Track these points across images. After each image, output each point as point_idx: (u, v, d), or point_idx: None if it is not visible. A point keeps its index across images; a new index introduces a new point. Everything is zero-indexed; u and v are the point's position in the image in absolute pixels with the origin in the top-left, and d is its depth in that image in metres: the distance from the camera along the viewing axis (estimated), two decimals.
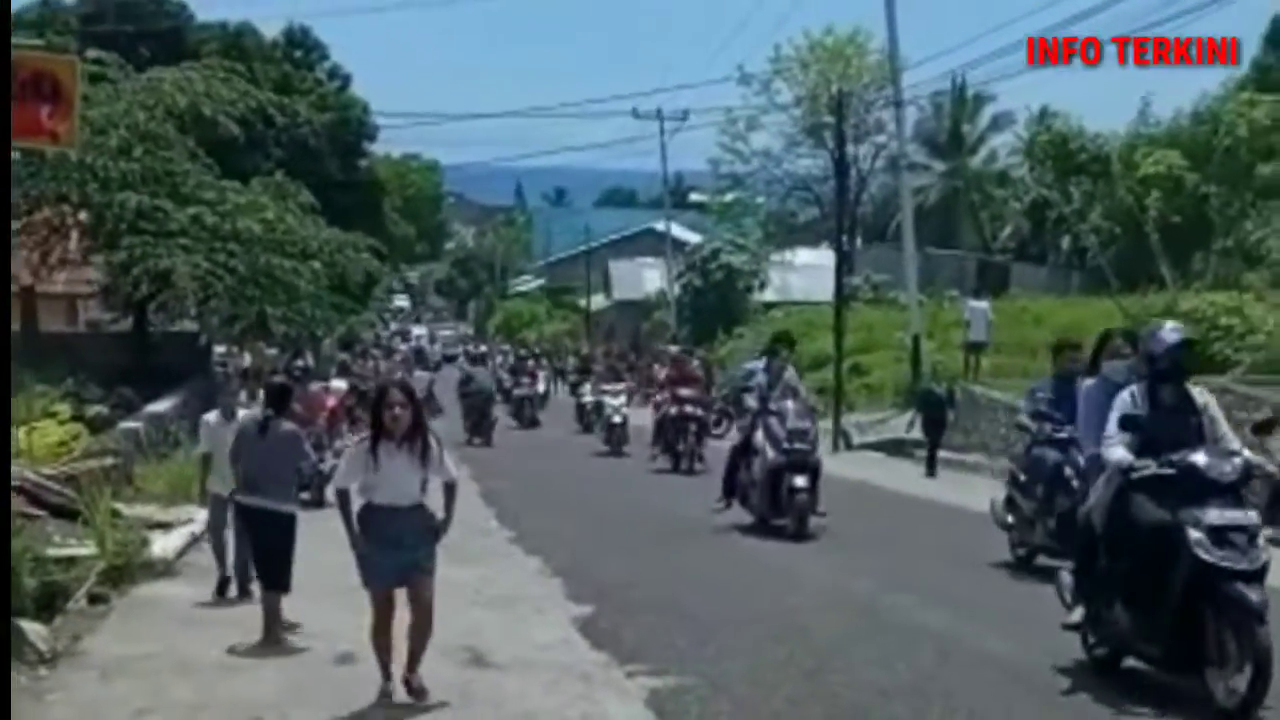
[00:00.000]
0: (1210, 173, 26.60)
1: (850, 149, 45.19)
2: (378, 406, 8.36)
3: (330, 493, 14.55)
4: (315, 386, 22.26)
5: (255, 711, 8.35)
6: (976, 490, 19.96)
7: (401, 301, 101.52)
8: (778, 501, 15.72)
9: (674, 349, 32.74)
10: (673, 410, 24.09)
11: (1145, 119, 41.54)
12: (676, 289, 54.48)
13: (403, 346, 64.63)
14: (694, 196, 62.84)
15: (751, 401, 16.42)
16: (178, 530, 14.03)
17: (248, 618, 10.68)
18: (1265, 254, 23.98)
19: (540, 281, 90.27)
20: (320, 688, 9.01)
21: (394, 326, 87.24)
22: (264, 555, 10.62)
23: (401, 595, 8.48)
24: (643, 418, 28.81)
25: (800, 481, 15.48)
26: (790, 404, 16.06)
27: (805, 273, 50.70)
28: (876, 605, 11.69)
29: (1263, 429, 17.22)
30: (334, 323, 33.85)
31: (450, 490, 8.57)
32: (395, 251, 56.31)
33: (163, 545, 13.25)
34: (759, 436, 16.01)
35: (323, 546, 10.82)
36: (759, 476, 15.91)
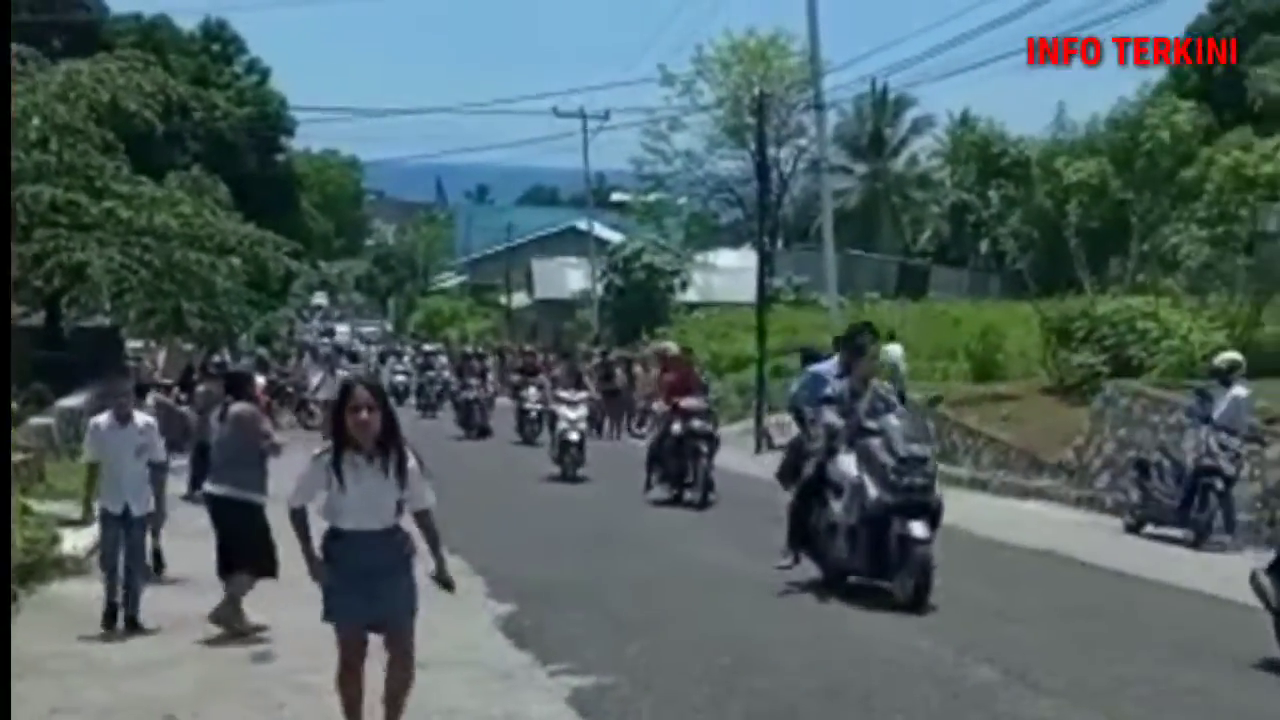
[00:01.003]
0: (1130, 179, 26.93)
1: (772, 151, 45.55)
2: (340, 410, 6.84)
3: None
4: None
5: (168, 709, 8.19)
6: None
7: (320, 299, 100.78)
8: (882, 557, 11.54)
9: (668, 348, 26.12)
10: (675, 426, 18.99)
11: (1061, 125, 42.13)
12: (599, 289, 54.45)
13: (326, 341, 64.02)
14: (616, 196, 62.84)
15: (833, 417, 12.10)
16: (89, 528, 13.75)
17: (159, 616, 10.53)
18: (1182, 259, 24.35)
19: (462, 279, 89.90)
20: (236, 685, 8.88)
21: (317, 324, 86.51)
22: (239, 545, 10.37)
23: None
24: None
25: (919, 530, 11.30)
26: (894, 420, 11.87)
27: (727, 274, 50.88)
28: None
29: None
30: (251, 319, 33.48)
31: (426, 521, 7.05)
32: (313, 248, 55.98)
33: (73, 543, 12.99)
34: (846, 466, 11.86)
35: None
36: (846, 520, 11.77)
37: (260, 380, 25.73)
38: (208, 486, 10.82)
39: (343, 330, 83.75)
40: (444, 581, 7.13)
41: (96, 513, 10.64)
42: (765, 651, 9.72)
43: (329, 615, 6.93)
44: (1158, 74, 42.67)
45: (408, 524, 7.06)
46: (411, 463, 6.89)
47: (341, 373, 26.80)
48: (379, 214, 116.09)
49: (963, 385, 27.01)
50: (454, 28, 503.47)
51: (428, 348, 49.70)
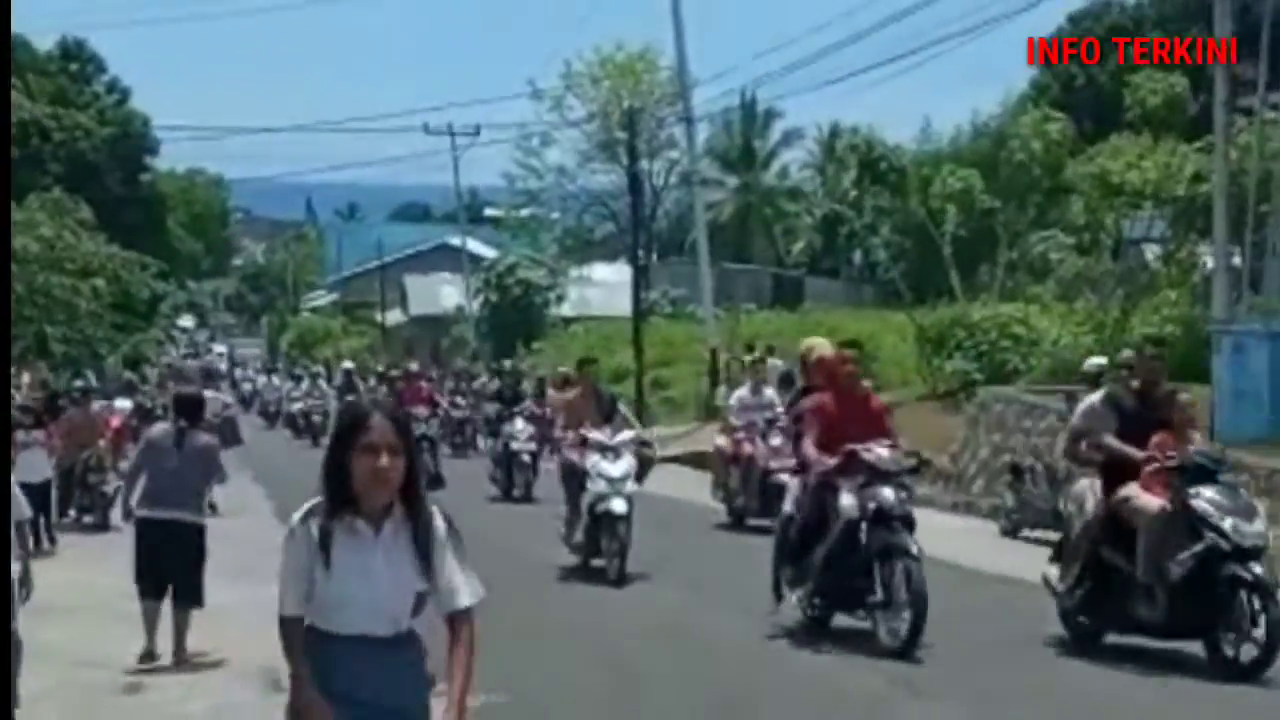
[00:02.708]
0: (997, 188, 27.39)
1: (644, 165, 45.54)
2: (342, 449, 4.42)
3: (116, 516, 13.97)
4: (97, 406, 21.54)
5: None
6: None
7: (186, 322, 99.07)
8: None
9: (814, 346, 15.84)
10: (846, 501, 10.38)
11: (927, 136, 42.87)
12: (474, 304, 54.17)
13: (192, 363, 62.68)
14: (489, 211, 62.52)
15: None
16: None
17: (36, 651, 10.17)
18: (1053, 267, 24.80)
19: (334, 297, 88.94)
20: (104, 718, 8.60)
21: (184, 346, 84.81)
22: (174, 570, 10.16)
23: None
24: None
25: None
26: None
27: (603, 288, 50.88)
28: None
29: None
30: (118, 342, 32.78)
31: (462, 633, 4.61)
32: (180, 268, 55.11)
33: None
34: None
35: (105, 570, 10.38)
36: None
37: (127, 404, 25.22)
38: (152, 512, 10.36)
39: (220, 350, 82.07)
40: None
41: None
42: (656, 670, 9.63)
43: None
44: (1019, 85, 43.65)
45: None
46: (441, 533, 4.50)
47: (211, 394, 24.79)
48: (247, 233, 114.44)
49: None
50: (320, 45, 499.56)
51: (347, 365, 40.98)
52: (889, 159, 27.70)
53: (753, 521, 16.76)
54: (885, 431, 10.69)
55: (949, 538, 16.68)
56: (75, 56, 54.33)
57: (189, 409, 11.00)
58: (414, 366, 31.39)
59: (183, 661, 9.95)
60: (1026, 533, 16.84)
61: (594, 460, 13.68)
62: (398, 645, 4.54)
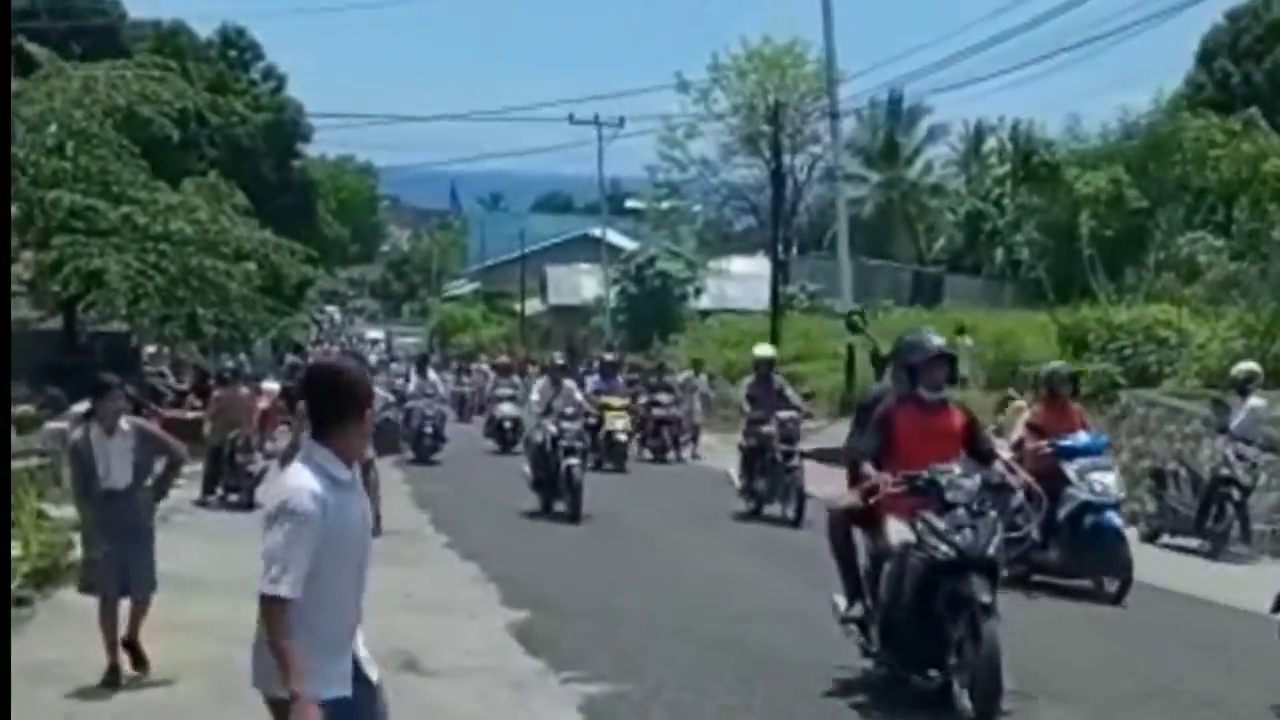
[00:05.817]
0: (1149, 188, 26.75)
1: (787, 159, 45.41)
2: None
3: (260, 494, 14.29)
4: (244, 389, 22.07)
5: (179, 718, 8.19)
6: None
7: (331, 309, 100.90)
8: None
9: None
10: None
11: (1075, 134, 42.06)
12: (613, 296, 54.48)
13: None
14: (631, 203, 62.83)
15: None
16: None
17: (170, 620, 10.50)
18: (1201, 269, 24.20)
19: (475, 285, 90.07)
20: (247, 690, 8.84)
21: (324, 331, 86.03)
22: None
23: None
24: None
25: None
26: None
27: (741, 281, 50.90)
28: None
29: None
30: (266, 325, 33.48)
31: None
32: (329, 254, 56.14)
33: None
34: None
35: (248, 548, 10.66)
36: None
37: (274, 386, 25.76)
38: None
39: (374, 336, 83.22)
40: None
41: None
42: (779, 659, 9.69)
43: None
44: (1172, 84, 42.64)
45: None
46: None
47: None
48: (393, 220, 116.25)
49: (978, 394, 26.92)
50: (469, 34, 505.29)
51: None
52: (1041, 154, 27.01)
53: None
54: None
55: None
56: (235, 44, 55.66)
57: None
58: (768, 352, 18.60)
59: None
60: (1166, 539, 16.58)
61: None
62: None
